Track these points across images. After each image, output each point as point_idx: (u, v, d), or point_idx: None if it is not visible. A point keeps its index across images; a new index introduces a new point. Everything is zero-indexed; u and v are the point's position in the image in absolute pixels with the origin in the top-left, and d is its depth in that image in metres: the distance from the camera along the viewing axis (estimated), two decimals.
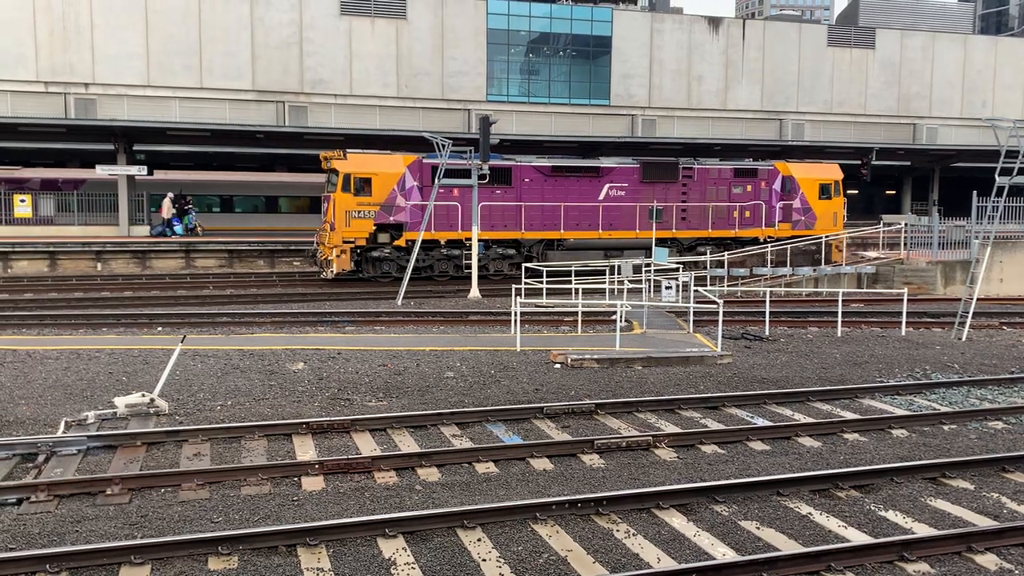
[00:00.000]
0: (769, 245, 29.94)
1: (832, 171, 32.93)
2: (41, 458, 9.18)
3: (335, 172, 27.07)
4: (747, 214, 31.44)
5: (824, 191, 32.38)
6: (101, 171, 36.98)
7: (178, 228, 38.00)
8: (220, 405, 11.66)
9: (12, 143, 40.67)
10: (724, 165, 31.97)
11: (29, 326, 18.70)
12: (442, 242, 28.06)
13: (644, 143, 43.51)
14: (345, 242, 26.95)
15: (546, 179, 29.11)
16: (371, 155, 28.16)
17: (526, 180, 28.69)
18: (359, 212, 27.02)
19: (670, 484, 8.63)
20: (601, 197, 29.78)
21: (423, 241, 27.70)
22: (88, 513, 7.72)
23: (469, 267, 27.80)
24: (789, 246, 29.91)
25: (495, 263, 28.99)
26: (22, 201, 37.85)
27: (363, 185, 27.00)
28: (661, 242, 30.50)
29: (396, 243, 27.68)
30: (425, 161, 27.71)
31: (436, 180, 24.86)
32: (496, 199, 28.17)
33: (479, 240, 27.94)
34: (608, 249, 29.71)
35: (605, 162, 30.70)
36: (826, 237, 31.20)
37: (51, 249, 31.61)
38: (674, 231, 30.72)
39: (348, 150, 28.14)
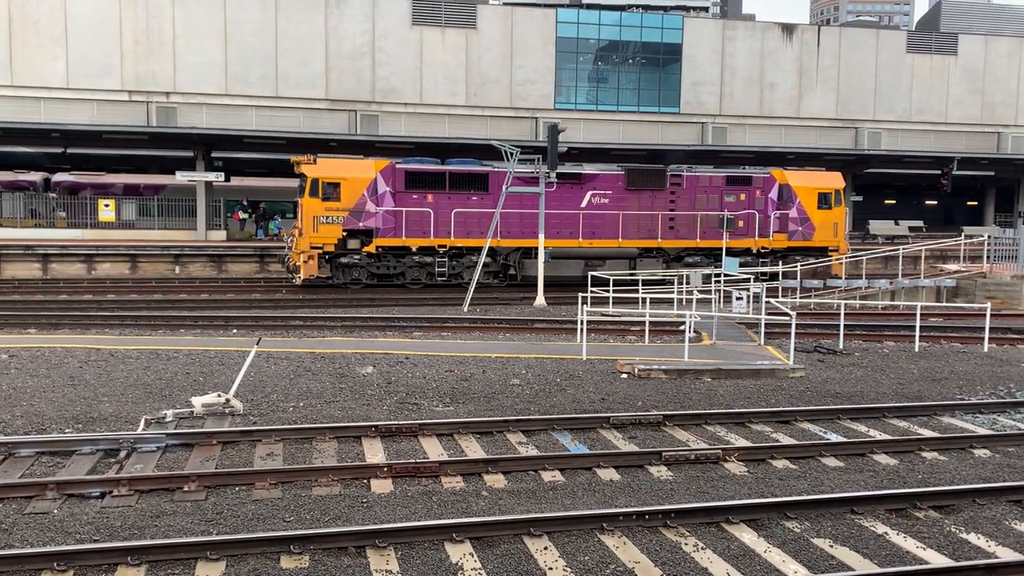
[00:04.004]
0: (856, 257, 28.87)
1: (833, 180, 31.78)
2: (123, 454, 9.52)
3: (304, 177, 26.99)
4: (740, 223, 30.24)
5: (823, 200, 31.13)
6: (181, 177, 38.29)
7: (260, 232, 39.08)
8: (292, 406, 11.91)
9: (97, 149, 42.41)
10: (716, 172, 30.99)
11: (112, 326, 19.44)
12: (413, 249, 27.76)
13: (715, 151, 42.97)
14: (313, 248, 26.82)
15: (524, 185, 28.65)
16: (341, 160, 28.16)
17: (503, 186, 27.96)
18: (327, 218, 26.84)
19: (740, 498, 8.48)
20: (583, 204, 28.97)
21: (393, 248, 27.54)
22: (166, 508, 7.97)
23: (442, 275, 27.59)
24: (853, 260, 28.68)
25: (469, 271, 27.92)
26: (106, 206, 39.39)
27: (331, 190, 26.84)
28: (646, 252, 29.70)
29: (366, 249, 27.47)
30: (398, 166, 27.55)
31: (504, 187, 24.92)
32: (472, 205, 27.49)
33: (451, 247, 27.60)
34: (589, 258, 28.94)
35: (588, 168, 29.87)
36: (904, 250, 30.19)
37: (132, 252, 32.83)
38: (659, 241, 29.70)
39: (319, 154, 28.06)
